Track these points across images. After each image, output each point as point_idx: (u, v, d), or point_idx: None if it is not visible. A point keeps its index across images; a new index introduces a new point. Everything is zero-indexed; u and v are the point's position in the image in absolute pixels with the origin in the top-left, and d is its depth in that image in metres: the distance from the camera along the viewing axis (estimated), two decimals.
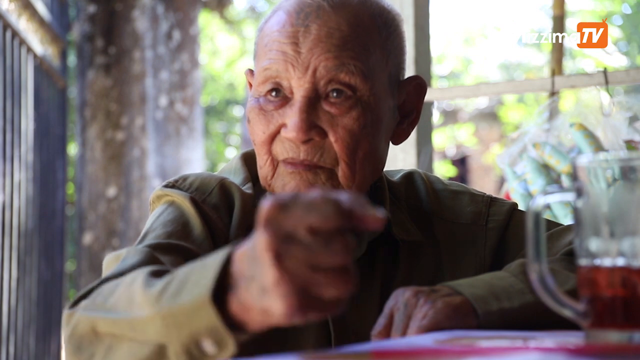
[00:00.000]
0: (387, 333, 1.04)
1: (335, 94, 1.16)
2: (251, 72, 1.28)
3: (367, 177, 1.21)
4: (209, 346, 0.81)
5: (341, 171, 1.18)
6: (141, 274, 0.92)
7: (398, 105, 1.26)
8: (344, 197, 0.74)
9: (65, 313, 0.99)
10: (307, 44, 1.15)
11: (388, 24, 1.22)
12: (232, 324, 0.79)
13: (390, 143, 1.27)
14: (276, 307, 0.73)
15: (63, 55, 4.39)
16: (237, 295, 0.78)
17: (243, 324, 0.79)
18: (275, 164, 1.19)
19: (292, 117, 1.15)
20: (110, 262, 1.11)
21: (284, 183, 1.19)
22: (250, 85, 1.27)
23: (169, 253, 1.10)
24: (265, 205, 0.73)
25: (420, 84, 1.28)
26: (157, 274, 0.92)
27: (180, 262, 1.08)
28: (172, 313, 0.83)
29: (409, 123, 1.29)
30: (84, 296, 1.00)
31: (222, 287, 0.79)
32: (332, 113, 1.16)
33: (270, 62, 1.17)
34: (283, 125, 1.17)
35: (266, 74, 1.18)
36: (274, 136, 1.19)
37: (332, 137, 1.16)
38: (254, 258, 0.74)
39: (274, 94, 1.18)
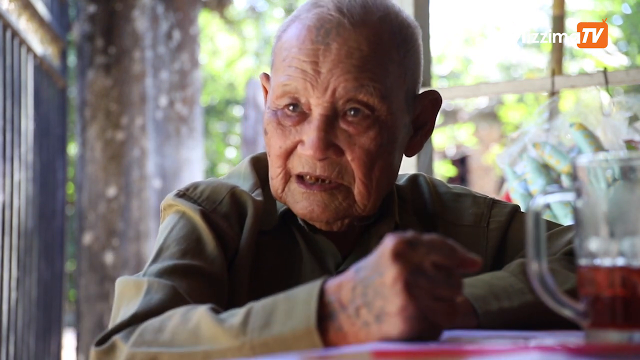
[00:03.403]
0: None
1: (353, 113, 1.16)
2: (266, 76, 1.28)
3: (382, 193, 1.22)
4: None
5: (357, 189, 1.18)
6: (198, 311, 0.97)
7: (412, 119, 1.25)
8: (450, 241, 0.86)
9: (96, 350, 1.02)
10: (327, 64, 1.14)
11: (407, 40, 1.21)
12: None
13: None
14: (396, 331, 0.83)
15: (63, 55, 4.38)
16: (335, 323, 0.86)
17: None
18: (287, 177, 1.20)
19: (310, 134, 1.15)
20: (127, 288, 1.12)
21: (295, 201, 1.20)
22: (265, 90, 1.27)
23: (185, 276, 1.13)
24: (393, 240, 0.84)
25: (436, 99, 1.28)
26: (214, 310, 0.98)
27: (195, 285, 1.13)
28: (264, 343, 0.90)
29: (422, 135, 1.29)
30: (115, 332, 1.03)
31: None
32: (349, 132, 1.16)
33: (289, 79, 1.17)
34: (300, 141, 1.17)
35: (284, 89, 1.17)
36: (290, 151, 1.19)
37: (349, 156, 1.17)
38: (368, 287, 0.85)
39: (291, 108, 1.18)
